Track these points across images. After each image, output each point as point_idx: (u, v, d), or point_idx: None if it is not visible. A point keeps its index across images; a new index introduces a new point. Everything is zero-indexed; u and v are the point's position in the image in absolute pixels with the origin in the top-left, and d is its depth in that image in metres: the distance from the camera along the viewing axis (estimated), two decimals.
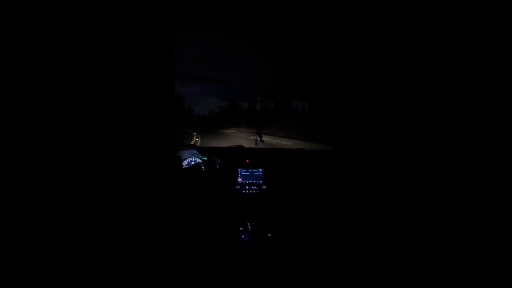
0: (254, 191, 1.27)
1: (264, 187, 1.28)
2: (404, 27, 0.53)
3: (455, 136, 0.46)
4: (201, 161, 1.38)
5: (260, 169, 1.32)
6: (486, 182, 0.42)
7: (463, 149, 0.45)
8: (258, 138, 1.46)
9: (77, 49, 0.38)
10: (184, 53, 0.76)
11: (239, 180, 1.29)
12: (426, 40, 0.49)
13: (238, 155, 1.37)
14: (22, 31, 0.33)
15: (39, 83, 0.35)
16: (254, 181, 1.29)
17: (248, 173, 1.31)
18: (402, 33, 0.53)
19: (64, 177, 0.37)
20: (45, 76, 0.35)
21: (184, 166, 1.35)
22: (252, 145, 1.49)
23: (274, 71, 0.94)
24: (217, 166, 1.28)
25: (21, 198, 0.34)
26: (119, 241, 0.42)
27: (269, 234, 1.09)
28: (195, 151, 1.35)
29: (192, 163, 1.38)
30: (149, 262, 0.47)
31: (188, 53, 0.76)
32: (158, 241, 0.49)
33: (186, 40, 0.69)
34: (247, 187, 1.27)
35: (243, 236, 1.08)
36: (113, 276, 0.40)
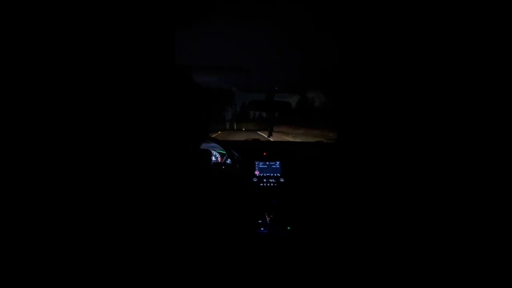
0: (271, 184, 1.25)
1: (281, 180, 1.26)
2: (408, 26, 0.52)
3: (456, 130, 0.46)
4: (218, 155, 1.39)
5: (278, 162, 1.30)
6: (485, 176, 0.42)
7: (464, 143, 0.45)
8: (269, 131, 1.45)
9: (82, 48, 0.37)
10: (197, 42, 0.75)
11: (257, 173, 1.28)
12: (429, 39, 0.48)
13: (255, 149, 1.36)
14: (23, 30, 0.33)
15: (40, 84, 0.35)
16: (272, 174, 1.28)
17: (266, 166, 1.29)
18: (406, 31, 0.52)
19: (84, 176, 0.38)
20: (46, 77, 0.35)
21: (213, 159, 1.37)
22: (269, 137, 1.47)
23: (289, 61, 0.90)
24: (235, 159, 1.28)
25: (35, 197, 0.33)
26: (139, 237, 0.42)
27: (289, 227, 1.08)
28: (213, 144, 1.36)
29: (213, 158, 1.39)
30: (169, 255, 0.47)
31: (201, 41, 0.75)
32: (177, 235, 0.49)
33: (199, 28, 0.68)
34: (264, 180, 1.26)
35: (261, 229, 1.07)
36: (132, 266, 0.41)
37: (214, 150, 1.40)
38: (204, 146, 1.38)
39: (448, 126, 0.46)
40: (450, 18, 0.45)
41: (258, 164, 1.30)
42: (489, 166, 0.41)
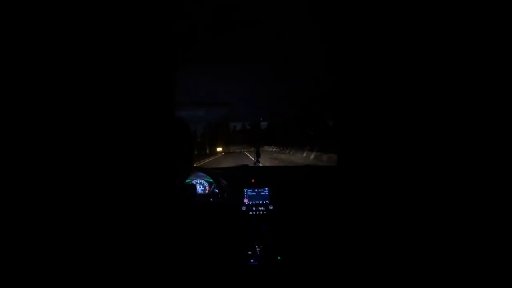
0: (261, 212, 1.24)
1: (271, 207, 1.25)
2: (405, 46, 0.53)
3: (453, 152, 0.46)
4: (206, 184, 1.38)
5: (266, 188, 1.30)
6: (485, 194, 0.42)
7: (462, 168, 0.45)
8: (256, 158, 1.47)
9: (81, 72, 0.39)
10: (185, 79, 0.79)
11: (245, 201, 1.27)
12: (427, 56, 0.50)
13: (243, 175, 1.36)
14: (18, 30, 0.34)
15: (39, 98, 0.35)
16: (261, 201, 1.27)
17: (254, 193, 1.29)
18: (403, 53, 0.54)
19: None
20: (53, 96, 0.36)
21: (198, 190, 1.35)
22: (256, 164, 1.49)
23: (274, 93, 0.97)
24: (223, 188, 1.27)
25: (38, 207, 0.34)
26: (129, 271, 0.41)
27: (279, 258, 1.05)
28: (200, 173, 1.35)
29: (199, 186, 1.37)
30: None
31: (189, 79, 0.79)
32: (164, 269, 0.48)
33: (189, 67, 0.73)
34: (253, 208, 1.25)
35: (252, 260, 1.03)
36: None
37: (202, 179, 1.39)
38: (190, 176, 1.37)
39: (448, 147, 0.46)
40: (448, 37, 0.46)
41: (247, 191, 1.29)
42: (492, 185, 0.41)
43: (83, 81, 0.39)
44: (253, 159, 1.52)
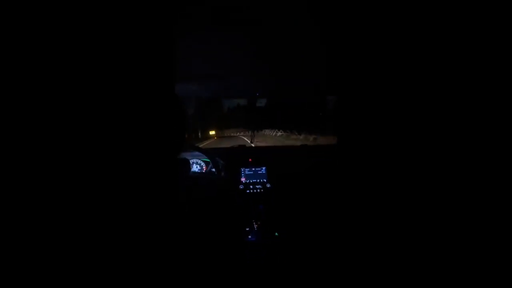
0: (258, 190, 1.24)
1: (268, 186, 1.26)
2: (402, 28, 0.52)
3: (455, 133, 0.45)
4: (203, 163, 1.36)
5: (264, 167, 1.30)
6: (485, 180, 0.42)
7: (464, 146, 0.45)
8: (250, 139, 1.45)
9: (79, 52, 0.37)
10: (180, 51, 0.74)
11: (243, 179, 1.27)
12: (426, 40, 0.49)
13: (240, 155, 1.35)
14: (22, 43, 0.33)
15: (40, 83, 0.35)
16: (258, 180, 1.27)
17: (252, 172, 1.29)
18: (400, 33, 0.53)
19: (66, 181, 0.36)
20: (44, 77, 0.35)
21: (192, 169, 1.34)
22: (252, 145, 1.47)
23: (273, 65, 0.91)
24: (220, 167, 1.26)
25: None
26: (122, 247, 0.40)
27: (276, 234, 1.07)
28: (197, 153, 1.33)
29: (195, 166, 1.36)
30: (155, 267, 0.45)
31: (184, 50, 0.73)
32: (163, 247, 0.47)
33: (184, 38, 0.67)
34: (251, 186, 1.25)
35: (249, 236, 1.06)
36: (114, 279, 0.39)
37: (198, 159, 1.37)
38: (186, 155, 1.34)
39: (449, 129, 0.46)
40: (446, 24, 0.45)
41: (244, 170, 1.28)
42: (491, 177, 0.41)
43: (84, 74, 0.38)
44: (249, 142, 1.49)
